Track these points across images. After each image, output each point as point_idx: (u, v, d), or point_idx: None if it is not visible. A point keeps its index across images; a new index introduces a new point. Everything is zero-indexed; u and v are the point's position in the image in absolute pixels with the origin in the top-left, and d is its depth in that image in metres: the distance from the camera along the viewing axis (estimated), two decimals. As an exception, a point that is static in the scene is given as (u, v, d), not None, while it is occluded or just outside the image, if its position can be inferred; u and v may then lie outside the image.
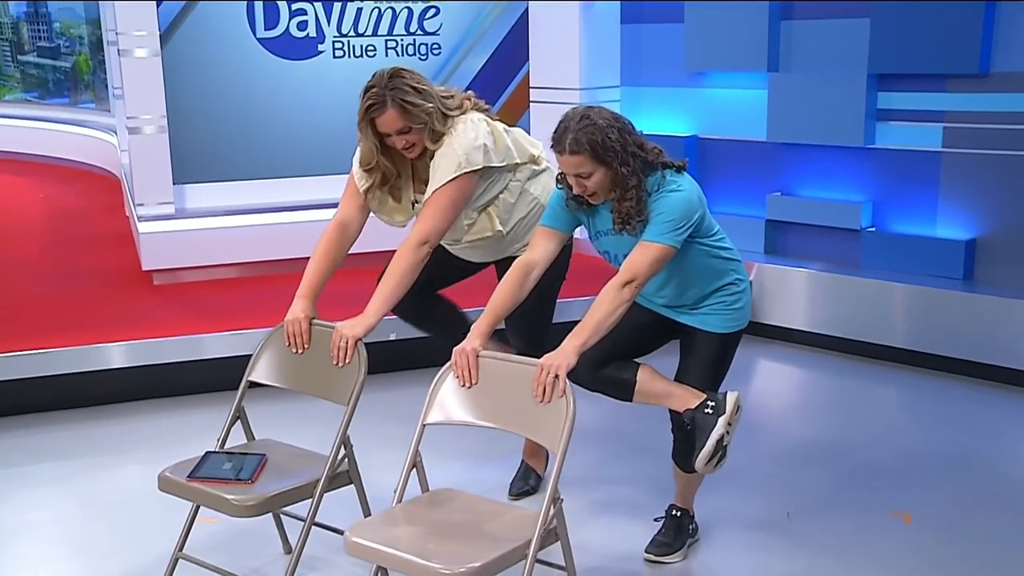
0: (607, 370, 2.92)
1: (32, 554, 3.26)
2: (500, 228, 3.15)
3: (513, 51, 6.01)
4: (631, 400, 2.95)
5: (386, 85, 2.92)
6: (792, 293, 5.20)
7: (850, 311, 5.01)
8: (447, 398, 2.62)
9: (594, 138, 2.66)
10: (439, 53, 5.89)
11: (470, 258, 3.33)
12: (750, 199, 5.55)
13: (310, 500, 2.65)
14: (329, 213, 5.32)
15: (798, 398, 4.82)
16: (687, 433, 2.88)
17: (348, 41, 5.71)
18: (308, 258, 3.09)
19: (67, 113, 10.18)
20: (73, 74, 10.30)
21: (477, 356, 2.60)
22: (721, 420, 2.79)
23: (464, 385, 2.60)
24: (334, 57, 5.70)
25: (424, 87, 2.97)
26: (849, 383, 4.78)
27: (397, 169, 3.09)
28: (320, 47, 5.66)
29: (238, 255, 5.52)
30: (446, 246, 3.29)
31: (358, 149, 3.10)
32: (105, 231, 6.78)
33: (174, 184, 5.44)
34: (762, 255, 5.44)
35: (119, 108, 6.85)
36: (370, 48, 5.76)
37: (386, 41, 5.78)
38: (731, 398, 2.82)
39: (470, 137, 2.99)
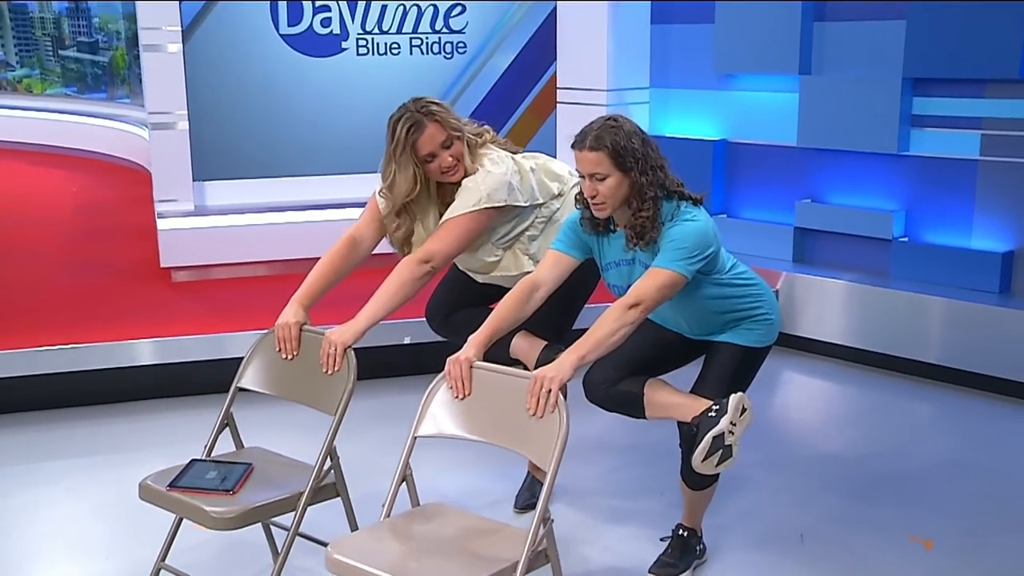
0: (619, 386, 2.85)
1: (27, 552, 3.23)
2: (529, 270, 3.07)
3: (540, 50, 5.90)
4: (645, 416, 2.86)
5: (415, 108, 2.93)
6: (820, 303, 5.04)
7: (880, 323, 4.84)
8: (439, 410, 2.52)
9: (616, 139, 2.62)
10: (464, 52, 5.80)
11: (503, 284, 3.24)
12: (779, 205, 5.40)
13: (294, 512, 2.57)
14: (350, 213, 5.41)
15: (823, 412, 4.66)
16: (692, 443, 2.76)
17: (372, 38, 5.64)
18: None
19: (104, 107, 10.26)
20: (110, 69, 10.38)
21: (471, 367, 2.50)
22: (723, 420, 2.67)
23: (457, 396, 2.50)
24: (358, 55, 5.63)
25: (447, 105, 3.00)
26: (877, 398, 4.61)
27: (417, 212, 3.05)
28: (344, 44, 5.60)
29: (257, 253, 5.47)
30: (474, 277, 3.25)
31: (381, 184, 3.04)
32: (130, 225, 6.76)
33: (194, 181, 5.41)
34: (790, 263, 5.29)
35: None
36: (394, 46, 5.68)
37: (411, 39, 5.70)
38: (734, 398, 2.71)
39: (497, 173, 2.97)
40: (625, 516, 3.41)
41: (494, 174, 2.96)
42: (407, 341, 4.64)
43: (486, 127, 3.13)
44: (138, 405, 4.48)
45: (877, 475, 3.74)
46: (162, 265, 5.32)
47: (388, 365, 4.65)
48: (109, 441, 4.14)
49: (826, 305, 5.03)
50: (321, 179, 5.66)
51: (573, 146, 2.69)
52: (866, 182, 5.08)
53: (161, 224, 5.30)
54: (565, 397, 2.38)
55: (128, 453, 4.01)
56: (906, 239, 4.97)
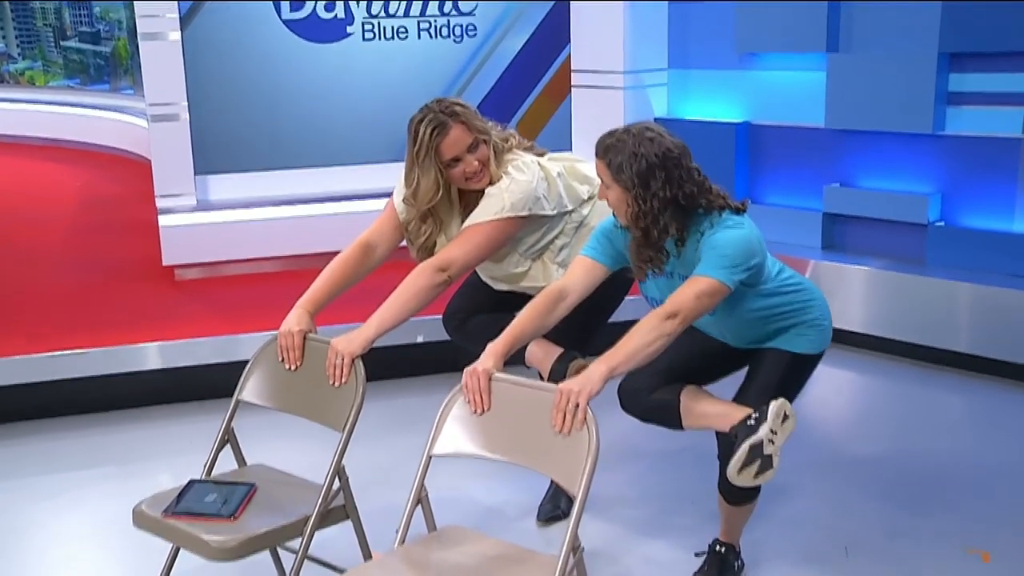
0: (654, 395, 2.66)
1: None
2: (557, 278, 2.88)
3: (553, 32, 5.67)
4: (682, 426, 2.67)
5: (438, 109, 2.73)
6: (851, 292, 4.80)
7: (915, 313, 4.60)
8: (456, 426, 2.31)
9: (616, 157, 2.44)
10: (474, 35, 5.56)
11: (530, 294, 3.04)
12: (806, 190, 5.16)
13: (301, 537, 2.37)
14: (359, 205, 5.21)
15: (857, 409, 4.43)
16: (731, 454, 2.56)
17: (378, 23, 5.41)
18: (336, 252, 2.86)
19: (107, 99, 10.08)
20: (113, 59, 10.19)
21: (490, 379, 2.29)
22: (763, 428, 2.47)
23: (476, 411, 2.29)
24: (364, 40, 5.41)
25: (469, 105, 2.81)
26: (915, 392, 4.38)
27: (442, 218, 2.87)
28: (349, 29, 5.38)
29: (264, 249, 5.27)
30: (498, 288, 3.08)
31: (400, 186, 2.85)
32: (134, 221, 6.58)
33: (196, 175, 5.22)
34: (819, 251, 5.06)
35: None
36: (401, 30, 5.45)
37: (418, 22, 5.47)
38: (775, 404, 2.50)
39: (522, 180, 2.78)
40: (655, 529, 3.20)
41: (519, 182, 2.77)
42: (420, 340, 4.44)
43: (512, 131, 2.93)
44: (142, 412, 4.30)
45: (921, 479, 3.52)
46: (164, 263, 5.13)
47: (400, 365, 4.46)
48: (112, 451, 3.95)
49: (857, 294, 4.80)
50: (328, 170, 5.45)
51: None
52: (899, 164, 4.83)
53: (163, 220, 5.10)
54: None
55: (132, 464, 3.83)
56: (942, 224, 4.73)
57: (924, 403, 4.28)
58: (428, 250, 2.85)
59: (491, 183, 2.79)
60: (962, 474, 3.54)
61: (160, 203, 5.16)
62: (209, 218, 5.18)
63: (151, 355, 4.30)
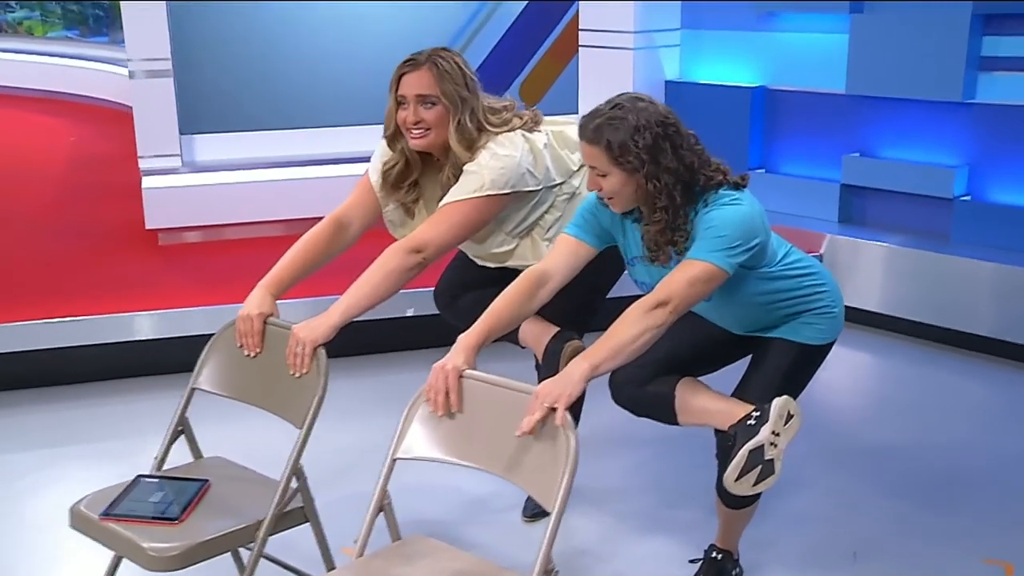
0: (648, 387, 2.43)
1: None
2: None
3: (560, -12, 5.39)
4: (677, 421, 2.44)
5: (429, 50, 2.56)
6: (869, 269, 4.55)
7: (938, 293, 4.35)
8: (422, 427, 2.09)
9: (615, 137, 2.16)
10: (476, -10, 5.30)
11: (521, 268, 2.82)
12: (824, 160, 4.88)
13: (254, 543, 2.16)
14: (352, 168, 4.97)
15: (871, 394, 4.19)
16: (729, 456, 2.33)
17: (376, -25, 5.16)
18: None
19: (106, 51, 9.82)
20: (111, 11, 9.94)
21: (460, 377, 2.06)
22: (764, 429, 2.24)
23: (436, 412, 2.06)
24: (360, -6, 5.16)
25: (470, 74, 2.59)
26: (934, 378, 4.14)
27: (419, 177, 2.66)
28: (345, -18, 5.13)
29: (251, 213, 5.06)
30: (484, 265, 2.85)
31: (375, 158, 2.69)
32: (124, 181, 6.37)
33: (181, 135, 4.99)
34: (836, 224, 4.80)
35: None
36: (399, -16, 5.19)
37: (417, -24, 5.21)
38: (778, 402, 2.27)
39: (503, 155, 2.55)
40: (649, 527, 2.98)
41: (501, 157, 2.54)
42: (410, 313, 4.23)
43: (520, 114, 2.66)
44: (120, 384, 4.10)
45: (937, 473, 3.29)
46: (147, 227, 4.91)
47: (390, 340, 4.26)
48: (85, 428, 3.76)
49: (876, 271, 4.54)
50: (321, 131, 5.24)
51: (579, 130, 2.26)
52: (924, 134, 4.55)
53: (146, 182, 4.89)
54: (577, 417, 1.95)
55: (107, 442, 3.63)
56: (969, 198, 4.46)
57: (943, 390, 4.04)
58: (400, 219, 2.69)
59: (452, 155, 2.56)
60: (981, 470, 3.31)
61: (143, 164, 4.95)
62: (195, 180, 4.98)
63: (131, 324, 4.11)
